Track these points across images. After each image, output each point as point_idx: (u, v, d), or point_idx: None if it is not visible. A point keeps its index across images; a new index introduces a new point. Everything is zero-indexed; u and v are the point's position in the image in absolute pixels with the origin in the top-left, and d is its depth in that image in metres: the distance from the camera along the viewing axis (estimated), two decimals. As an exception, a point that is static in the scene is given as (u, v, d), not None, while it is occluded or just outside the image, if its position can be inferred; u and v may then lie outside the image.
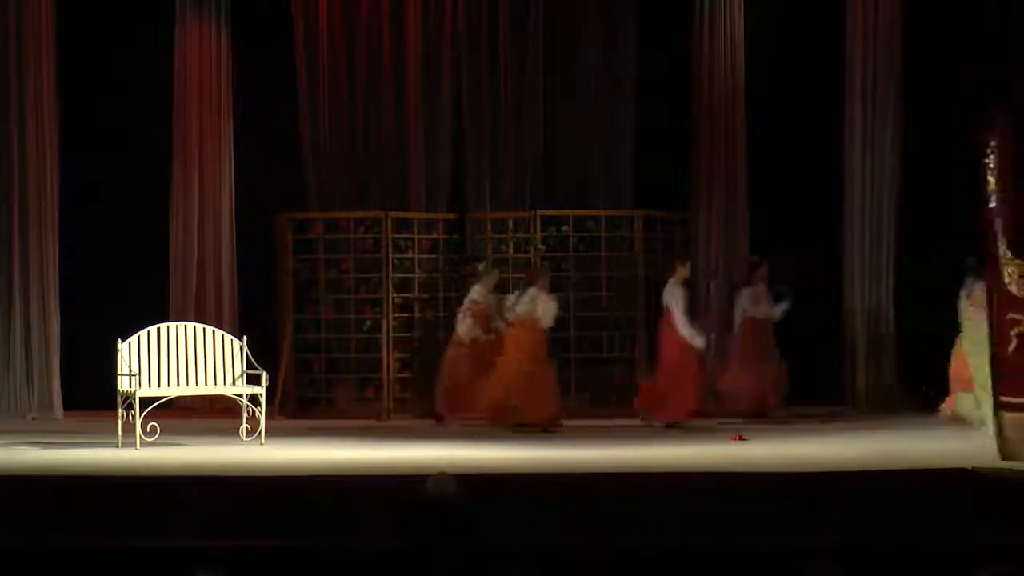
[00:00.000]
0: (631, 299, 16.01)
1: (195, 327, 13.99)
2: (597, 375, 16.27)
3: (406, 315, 16.18)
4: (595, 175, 16.37)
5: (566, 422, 14.55)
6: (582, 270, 16.18)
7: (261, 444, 13.07)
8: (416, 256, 16.36)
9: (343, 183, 16.47)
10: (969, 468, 11.34)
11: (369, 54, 16.36)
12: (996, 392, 12.59)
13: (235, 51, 16.17)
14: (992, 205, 12.40)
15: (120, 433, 12.97)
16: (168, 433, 13.16)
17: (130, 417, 13.08)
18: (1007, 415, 12.21)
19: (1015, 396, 12.14)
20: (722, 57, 15.96)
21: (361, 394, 16.09)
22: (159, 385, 13.49)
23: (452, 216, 16.52)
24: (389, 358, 16.10)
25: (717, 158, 16.01)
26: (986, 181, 12.46)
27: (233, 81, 16.18)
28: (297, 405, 15.85)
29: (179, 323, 14.07)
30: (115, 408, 13.22)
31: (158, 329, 13.60)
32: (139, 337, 13.28)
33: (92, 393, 14.40)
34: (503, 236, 16.38)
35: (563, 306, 15.83)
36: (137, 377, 13.20)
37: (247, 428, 13.31)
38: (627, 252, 16.15)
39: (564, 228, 16.28)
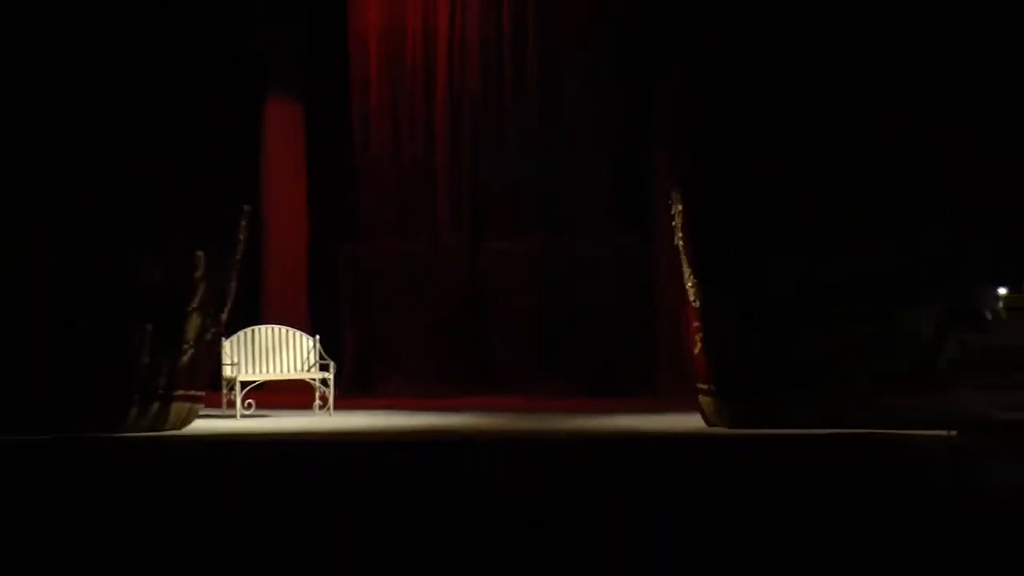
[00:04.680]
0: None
1: (280, 328, 14.93)
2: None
3: (440, 319, 16.83)
4: (600, 203, 16.58)
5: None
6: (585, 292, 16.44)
7: (329, 415, 14.35)
8: (443, 274, 16.97)
9: (389, 215, 17.03)
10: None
11: (409, 117, 16.92)
12: (696, 381, 13.45)
13: (308, 114, 16.67)
14: (676, 242, 13.53)
15: (225, 407, 14.30)
16: (260, 407, 14.40)
17: (232, 396, 14.32)
18: (701, 398, 13.33)
19: (705, 384, 13.32)
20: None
21: (406, 379, 16.71)
22: (253, 371, 14.55)
23: (471, 241, 16.94)
24: (426, 352, 16.82)
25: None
26: (673, 221, 13.55)
27: (307, 137, 16.77)
28: (356, 387, 16.51)
29: (268, 326, 15.00)
30: (221, 389, 14.41)
31: (252, 330, 14.70)
32: (239, 336, 14.47)
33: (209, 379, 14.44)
34: (510, 250, 16.71)
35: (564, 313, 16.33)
36: (237, 366, 14.37)
37: (319, 403, 14.53)
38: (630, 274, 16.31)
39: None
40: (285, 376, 14.83)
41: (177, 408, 13.46)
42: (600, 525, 8.14)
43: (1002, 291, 13.01)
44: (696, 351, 13.36)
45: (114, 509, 8.97)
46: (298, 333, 14.95)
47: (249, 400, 14.36)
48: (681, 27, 13.44)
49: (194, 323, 13.51)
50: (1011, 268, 13.25)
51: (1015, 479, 9.97)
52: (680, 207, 13.40)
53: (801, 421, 12.66)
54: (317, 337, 14.86)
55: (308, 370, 14.75)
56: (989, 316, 12.86)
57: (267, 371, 14.69)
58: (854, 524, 8.19)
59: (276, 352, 14.78)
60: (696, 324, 13.31)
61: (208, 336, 13.71)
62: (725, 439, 12.76)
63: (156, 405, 13.31)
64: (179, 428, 13.42)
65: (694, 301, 13.29)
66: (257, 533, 8.09)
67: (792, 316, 12.98)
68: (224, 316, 13.80)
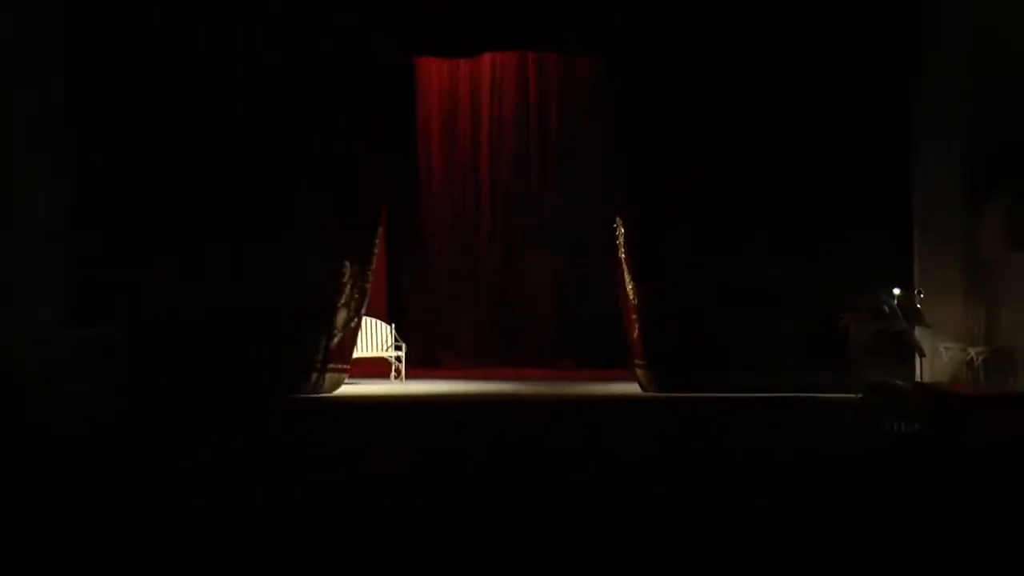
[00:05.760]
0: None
1: (366, 319, 16.08)
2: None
3: (482, 315, 18.47)
4: (601, 231, 16.50)
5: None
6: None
7: (402, 383, 16.31)
8: (484, 283, 18.46)
9: (445, 240, 18.73)
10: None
11: (460, 171, 18.68)
12: (632, 357, 14.70)
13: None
14: (620, 255, 14.66)
15: (329, 378, 15.26)
16: (351, 377, 15.94)
17: (334, 370, 15.22)
18: (638, 371, 14.76)
19: (640, 360, 14.63)
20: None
21: (457, 358, 18.34)
22: (347, 351, 15.35)
23: (504, 260, 18.47)
24: (472, 339, 18.49)
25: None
26: (617, 240, 14.59)
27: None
28: (421, 363, 17.89)
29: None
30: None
31: (345, 320, 15.27)
32: (337, 326, 15.14)
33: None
34: (534, 265, 18.20)
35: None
36: (339, 347, 15.15)
37: (394, 374, 16.52)
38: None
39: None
40: (370, 355, 16.63)
41: (330, 377, 15.34)
42: (582, 438, 11.78)
43: (896, 291, 13.56)
44: (635, 336, 15.08)
45: (291, 439, 11.57)
46: (379, 322, 16.80)
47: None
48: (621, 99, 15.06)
49: (341, 315, 15.23)
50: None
51: (901, 427, 11.64)
52: (622, 230, 14.86)
53: (712, 388, 14.48)
54: (393, 325, 16.83)
55: (386, 350, 16.66)
56: (886, 311, 13.49)
57: (357, 351, 16.28)
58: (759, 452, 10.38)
59: (363, 337, 16.48)
60: (634, 317, 15.00)
61: (351, 325, 15.44)
62: (654, 399, 14.64)
63: (315, 375, 15.16)
64: (330, 392, 15.35)
65: (633, 299, 14.93)
66: (388, 451, 10.70)
67: (706, 310, 14.59)
68: (363, 310, 15.46)
